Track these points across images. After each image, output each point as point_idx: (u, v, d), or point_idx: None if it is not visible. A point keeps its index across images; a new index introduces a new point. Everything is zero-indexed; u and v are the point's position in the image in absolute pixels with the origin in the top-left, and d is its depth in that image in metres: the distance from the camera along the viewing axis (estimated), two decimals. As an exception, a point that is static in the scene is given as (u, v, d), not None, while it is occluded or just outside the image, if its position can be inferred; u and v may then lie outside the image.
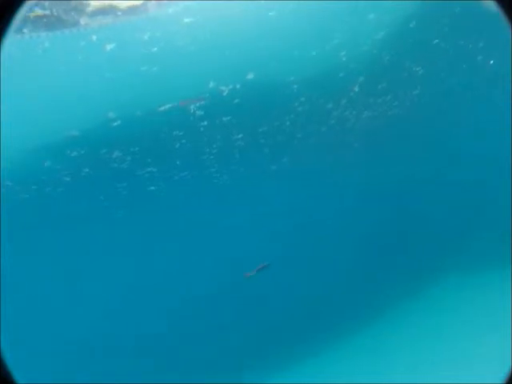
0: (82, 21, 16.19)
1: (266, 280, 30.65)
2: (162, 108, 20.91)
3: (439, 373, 14.45)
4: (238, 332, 29.14)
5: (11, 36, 3.88)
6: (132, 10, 16.57)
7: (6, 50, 3.92)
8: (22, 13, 3.85)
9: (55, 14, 15.26)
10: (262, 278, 30.33)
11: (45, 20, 15.23)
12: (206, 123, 22.51)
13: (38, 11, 14.50)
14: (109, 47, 17.38)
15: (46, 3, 14.51)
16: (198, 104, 20.97)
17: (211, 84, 20.28)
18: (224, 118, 22.57)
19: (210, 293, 31.61)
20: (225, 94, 20.95)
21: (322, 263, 33.60)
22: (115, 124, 20.72)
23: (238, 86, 20.72)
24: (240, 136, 24.39)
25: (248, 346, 27.02)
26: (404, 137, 29.92)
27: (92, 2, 15.71)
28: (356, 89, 23.97)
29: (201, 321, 30.92)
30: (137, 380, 24.55)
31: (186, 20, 17.47)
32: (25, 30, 15.02)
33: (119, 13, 16.39)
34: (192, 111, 21.39)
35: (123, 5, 16.29)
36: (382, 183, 33.34)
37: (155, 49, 18.09)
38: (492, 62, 26.66)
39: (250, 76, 20.47)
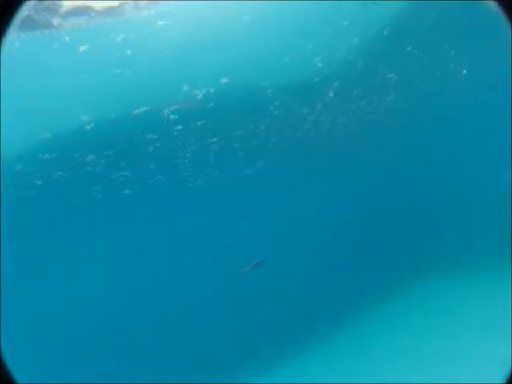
0: (55, 21, 15.92)
1: (247, 282, 30.77)
2: (136, 111, 20.74)
3: (439, 373, 14.46)
4: (223, 333, 29.16)
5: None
6: (108, 11, 16.38)
7: (6, 50, 3.90)
8: (21, 13, 3.81)
9: (27, 13, 14.99)
10: (243, 280, 30.47)
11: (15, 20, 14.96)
12: (180, 127, 22.42)
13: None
14: (82, 49, 17.13)
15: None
16: (171, 108, 20.88)
17: (185, 88, 20.20)
18: (198, 122, 22.51)
19: (183, 294, 31.68)
20: (199, 98, 20.88)
21: (302, 264, 33.79)
22: (88, 127, 20.49)
23: (212, 90, 20.68)
24: (214, 140, 24.36)
25: (232, 347, 26.94)
26: (378, 142, 30.27)
27: (65, 3, 15.42)
28: (331, 94, 24.14)
29: (177, 327, 30.79)
30: (136, 379, 24.43)
31: (160, 23, 17.35)
32: (-8, 31, 14.70)
33: (93, 13, 16.18)
34: (166, 115, 21.29)
35: (98, 6, 16.08)
36: (357, 186, 33.75)
37: (129, 51, 17.90)
38: (465, 71, 27.16)
39: (224, 80, 20.44)
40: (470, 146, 32.53)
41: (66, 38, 16.33)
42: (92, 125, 20.28)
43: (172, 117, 21.55)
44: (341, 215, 35.99)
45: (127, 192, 27.03)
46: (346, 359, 21.10)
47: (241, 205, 31.92)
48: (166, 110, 20.98)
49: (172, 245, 32.77)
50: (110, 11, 16.34)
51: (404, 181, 35.03)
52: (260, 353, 25.34)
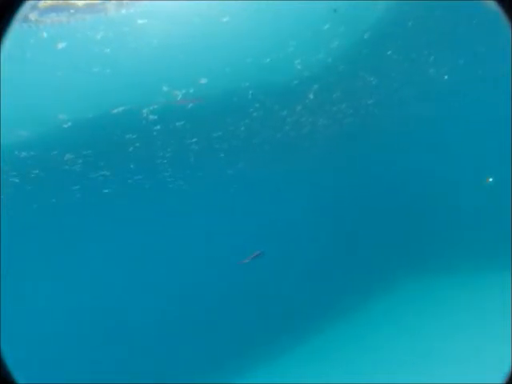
0: (32, 16, 15.73)
1: (228, 282, 30.75)
2: (115, 111, 20.58)
3: (439, 373, 14.45)
4: (204, 334, 29.11)
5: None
6: (89, 8, 16.19)
7: (6, 49, 3.87)
8: (22, 13, 3.78)
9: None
10: (223, 280, 30.46)
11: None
12: (159, 127, 22.31)
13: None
14: (60, 46, 16.90)
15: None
16: (150, 108, 20.77)
17: (164, 88, 20.06)
18: (177, 123, 22.42)
19: (159, 294, 31.63)
20: (178, 98, 20.79)
21: (285, 264, 33.80)
22: (66, 126, 20.24)
23: (191, 91, 20.59)
24: (194, 140, 24.29)
25: (216, 347, 26.89)
26: (359, 144, 30.45)
27: (46, -3, 15.17)
28: (311, 96, 24.20)
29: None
30: (136, 378, 24.29)
31: (140, 22, 17.21)
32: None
33: (72, 10, 15.97)
34: (145, 115, 21.17)
35: (80, 2, 15.89)
36: (340, 187, 33.93)
37: (108, 50, 17.74)
38: (446, 77, 27.43)
39: (204, 81, 20.36)
40: (452, 148, 32.85)
41: (44, 33, 16.11)
42: (69, 123, 20.03)
43: (151, 117, 21.42)
44: (323, 216, 36.10)
45: (107, 191, 26.84)
46: (334, 358, 21.09)
47: (222, 206, 31.89)
48: (145, 110, 20.86)
49: (152, 244, 32.65)
50: (91, 8, 16.17)
51: (386, 181, 35.25)
52: (243, 352, 25.35)
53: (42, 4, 15.42)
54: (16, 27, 15.72)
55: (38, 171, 22.59)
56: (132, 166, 25.21)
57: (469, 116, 30.05)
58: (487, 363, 12.63)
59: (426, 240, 31.04)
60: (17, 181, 22.78)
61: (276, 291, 31.48)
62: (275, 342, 25.41)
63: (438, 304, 21.79)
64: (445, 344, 16.71)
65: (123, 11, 16.76)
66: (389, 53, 24.14)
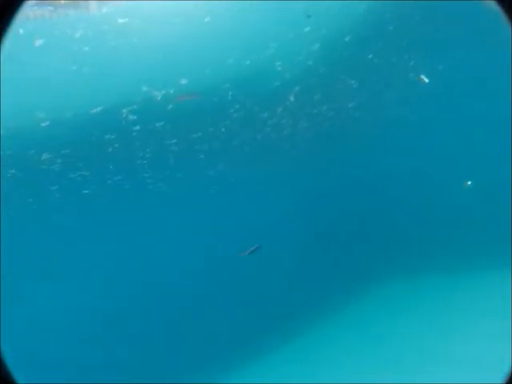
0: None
1: (205, 282, 30.71)
2: (94, 110, 20.42)
3: (439, 373, 14.41)
4: (184, 336, 29.08)
5: None
6: (72, 5, 16.01)
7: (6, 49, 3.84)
8: (22, 13, 3.80)
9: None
10: (191, 285, 30.40)
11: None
12: (138, 128, 22.18)
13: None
14: (38, 43, 16.70)
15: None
16: (130, 108, 20.66)
17: (144, 88, 19.97)
18: (157, 124, 22.32)
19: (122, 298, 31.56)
20: (158, 98, 20.71)
21: (262, 267, 33.80)
22: (44, 124, 20.01)
23: (171, 91, 20.53)
24: (174, 141, 24.19)
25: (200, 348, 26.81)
26: (339, 147, 30.64)
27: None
28: (291, 98, 24.28)
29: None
30: (136, 378, 24.10)
31: (121, 21, 17.10)
32: None
33: (50, 7, 15.79)
34: (124, 115, 21.03)
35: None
36: (319, 190, 34.08)
37: (87, 48, 17.58)
38: (425, 79, 27.72)
39: (184, 81, 20.32)
40: (433, 150, 33.16)
41: (21, 30, 15.86)
42: (48, 122, 19.81)
43: (131, 117, 21.28)
44: (304, 217, 36.20)
45: (86, 192, 26.60)
46: (320, 358, 21.06)
47: (202, 207, 31.82)
48: (124, 110, 20.72)
49: (131, 246, 32.43)
50: (74, 5, 15.99)
51: (367, 183, 35.47)
52: (224, 354, 25.31)
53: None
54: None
55: (14, 171, 22.29)
56: (111, 167, 25.01)
57: (449, 118, 30.36)
58: (487, 363, 12.69)
59: (415, 239, 31.28)
60: (-8, 180, 22.48)
61: (260, 292, 31.47)
62: (259, 342, 25.40)
63: (436, 304, 21.80)
64: (444, 344, 16.70)
65: (104, 10, 16.65)
66: (369, 56, 24.35)
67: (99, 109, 20.30)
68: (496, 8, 4.57)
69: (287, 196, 34.25)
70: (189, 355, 26.15)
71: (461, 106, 30.04)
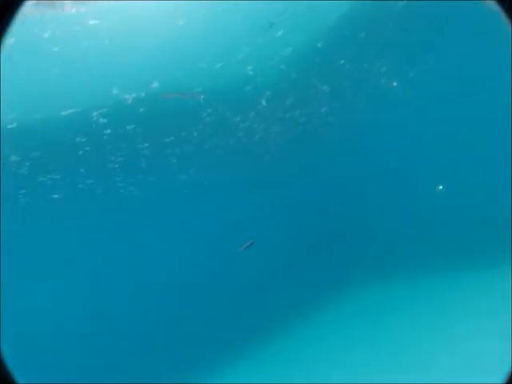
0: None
1: (182, 287, 30.52)
2: (64, 113, 20.13)
3: (439, 373, 14.36)
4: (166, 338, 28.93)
5: None
6: (46, 3, 15.75)
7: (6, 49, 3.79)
8: (21, 13, 3.78)
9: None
10: (168, 288, 30.19)
11: None
12: (109, 131, 21.94)
13: None
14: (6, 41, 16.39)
15: None
16: (100, 111, 20.41)
17: (114, 91, 19.77)
18: (128, 127, 22.11)
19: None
20: (129, 102, 20.53)
21: (236, 271, 33.74)
22: (11, 126, 19.64)
23: (142, 95, 20.38)
24: (146, 145, 24.01)
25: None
26: (311, 151, 30.82)
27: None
28: (264, 103, 24.33)
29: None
30: (136, 378, 23.75)
31: (92, 22, 16.90)
32: None
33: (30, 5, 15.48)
34: (95, 118, 20.79)
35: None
36: (289, 194, 34.22)
37: (56, 48, 17.30)
38: (395, 84, 28.08)
39: (156, 85, 20.20)
40: (404, 153, 33.62)
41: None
42: (15, 124, 19.45)
43: (101, 120, 21.04)
44: (277, 220, 36.32)
45: (56, 196, 26.18)
46: (300, 359, 21.00)
47: (174, 211, 31.65)
48: (95, 113, 20.48)
49: (102, 250, 32.11)
50: (51, 4, 15.73)
51: (338, 187, 35.76)
52: (208, 355, 25.20)
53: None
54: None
55: (-20, 174, 21.86)
56: (82, 170, 24.68)
57: (421, 123, 30.82)
58: (487, 363, 12.74)
59: (411, 239, 31.54)
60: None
61: (236, 294, 31.43)
62: (236, 344, 25.36)
63: (439, 303, 21.84)
64: (444, 344, 16.72)
65: (75, 10, 16.44)
66: (342, 62, 24.54)
67: (69, 111, 20.02)
68: (496, 8, 4.61)
69: (259, 200, 34.27)
70: (171, 356, 26.03)
71: (453, 106, 30.47)
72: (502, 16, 4.57)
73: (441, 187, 31.85)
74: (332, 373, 17.72)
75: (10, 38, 16.18)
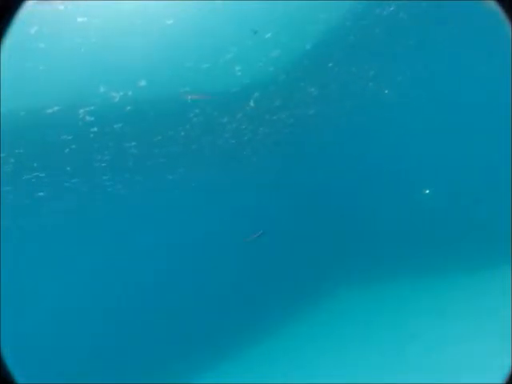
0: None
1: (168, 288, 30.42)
2: (50, 110, 19.94)
3: (439, 373, 14.31)
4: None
5: None
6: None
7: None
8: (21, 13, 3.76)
9: None
10: (152, 288, 30.09)
11: None
12: (96, 129, 21.78)
13: None
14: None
15: None
16: (87, 109, 20.25)
17: (101, 89, 19.63)
18: (115, 125, 21.97)
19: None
20: (116, 100, 20.39)
21: (224, 270, 33.71)
22: (-5, 123, 19.45)
23: (129, 93, 20.26)
24: (133, 144, 23.87)
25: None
26: (298, 153, 30.86)
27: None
28: (251, 104, 24.31)
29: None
30: (136, 378, 23.56)
31: (80, 19, 16.77)
32: None
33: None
34: (81, 116, 20.62)
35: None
36: (276, 195, 34.24)
37: (42, 45, 17.13)
38: (386, 91, 28.21)
39: (143, 83, 20.09)
40: (392, 157, 33.73)
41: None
42: (-1, 120, 19.26)
43: (88, 118, 20.88)
44: (264, 222, 36.28)
45: (42, 194, 25.95)
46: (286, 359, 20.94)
47: (161, 211, 31.54)
48: (81, 111, 20.31)
49: (87, 250, 31.92)
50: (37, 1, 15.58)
51: (325, 189, 35.82)
52: (194, 355, 25.13)
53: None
54: None
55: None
56: (69, 169, 24.46)
57: (407, 127, 30.96)
58: (487, 363, 12.72)
59: (408, 239, 31.64)
60: None
61: (225, 294, 31.40)
62: (224, 344, 25.31)
63: (439, 302, 21.83)
64: (444, 344, 16.71)
65: (61, 7, 16.30)
66: (330, 65, 24.58)
67: (55, 108, 19.84)
68: (496, 8, 4.62)
69: (247, 201, 34.27)
70: (156, 356, 25.95)
71: (452, 106, 30.55)
72: (502, 16, 4.58)
73: (427, 191, 32.00)
74: (332, 373, 17.74)
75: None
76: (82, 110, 20.36)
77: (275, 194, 34.43)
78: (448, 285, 23.88)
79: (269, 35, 20.90)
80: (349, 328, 22.16)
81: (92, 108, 20.32)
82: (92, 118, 20.99)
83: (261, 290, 31.26)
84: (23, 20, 16.10)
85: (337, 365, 18.30)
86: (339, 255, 32.64)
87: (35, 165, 23.16)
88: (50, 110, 19.93)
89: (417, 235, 31.01)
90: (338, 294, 27.45)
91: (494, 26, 21.86)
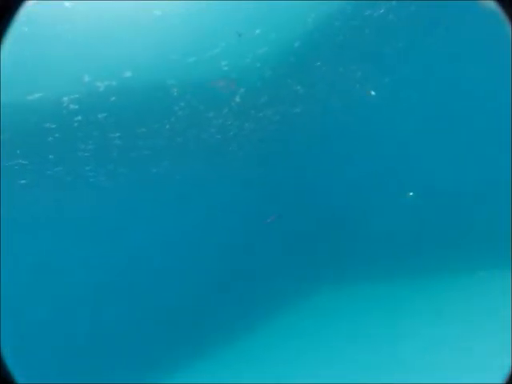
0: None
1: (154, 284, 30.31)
2: (31, 97, 19.73)
3: (438, 373, 14.31)
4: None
5: None
6: None
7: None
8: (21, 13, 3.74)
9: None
10: (131, 288, 29.99)
11: None
12: (80, 118, 21.62)
13: None
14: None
15: None
16: (71, 97, 20.09)
17: (86, 78, 19.48)
18: (100, 115, 21.83)
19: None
20: (101, 89, 20.26)
21: (203, 268, 33.70)
22: (-23, 109, 19.25)
23: (114, 84, 20.14)
24: (117, 135, 23.73)
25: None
26: (283, 151, 30.92)
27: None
28: (237, 99, 24.29)
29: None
30: (136, 378, 23.37)
31: (67, 4, 16.61)
32: None
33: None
34: (65, 104, 20.45)
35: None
36: (260, 192, 34.26)
37: (26, 30, 16.94)
38: (373, 93, 28.31)
39: (128, 74, 19.98)
40: (377, 157, 33.88)
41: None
42: (-19, 106, 19.07)
43: (72, 106, 20.72)
44: (250, 217, 36.31)
45: (23, 182, 25.73)
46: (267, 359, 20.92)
47: (144, 205, 31.42)
48: (65, 99, 20.14)
49: (69, 240, 31.68)
50: None
51: (310, 188, 35.89)
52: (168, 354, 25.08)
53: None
54: None
55: None
56: (51, 157, 24.26)
57: (395, 129, 31.09)
58: (487, 363, 12.75)
59: (406, 239, 31.74)
60: None
61: (205, 289, 31.38)
62: (202, 343, 25.25)
63: (440, 302, 21.88)
64: (444, 343, 16.72)
65: (48, -5, 16.14)
66: (317, 64, 24.61)
67: (37, 95, 19.65)
68: (496, 8, 4.66)
69: (232, 196, 34.26)
70: (131, 355, 25.84)
71: (452, 107, 30.64)
72: (502, 16, 4.63)
73: (411, 193, 32.19)
74: (330, 373, 17.77)
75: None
76: (65, 98, 20.18)
77: (260, 191, 34.46)
78: (448, 284, 23.98)
79: (258, 32, 20.86)
80: (347, 328, 22.23)
81: (76, 96, 20.16)
82: (76, 107, 20.83)
83: (260, 288, 31.25)
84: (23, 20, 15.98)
85: (337, 365, 18.35)
86: (332, 252, 32.66)
87: (18, 151, 22.94)
88: (30, 97, 19.74)
89: (417, 235, 31.15)
90: (336, 293, 27.51)
91: (494, 26, 21.97)
